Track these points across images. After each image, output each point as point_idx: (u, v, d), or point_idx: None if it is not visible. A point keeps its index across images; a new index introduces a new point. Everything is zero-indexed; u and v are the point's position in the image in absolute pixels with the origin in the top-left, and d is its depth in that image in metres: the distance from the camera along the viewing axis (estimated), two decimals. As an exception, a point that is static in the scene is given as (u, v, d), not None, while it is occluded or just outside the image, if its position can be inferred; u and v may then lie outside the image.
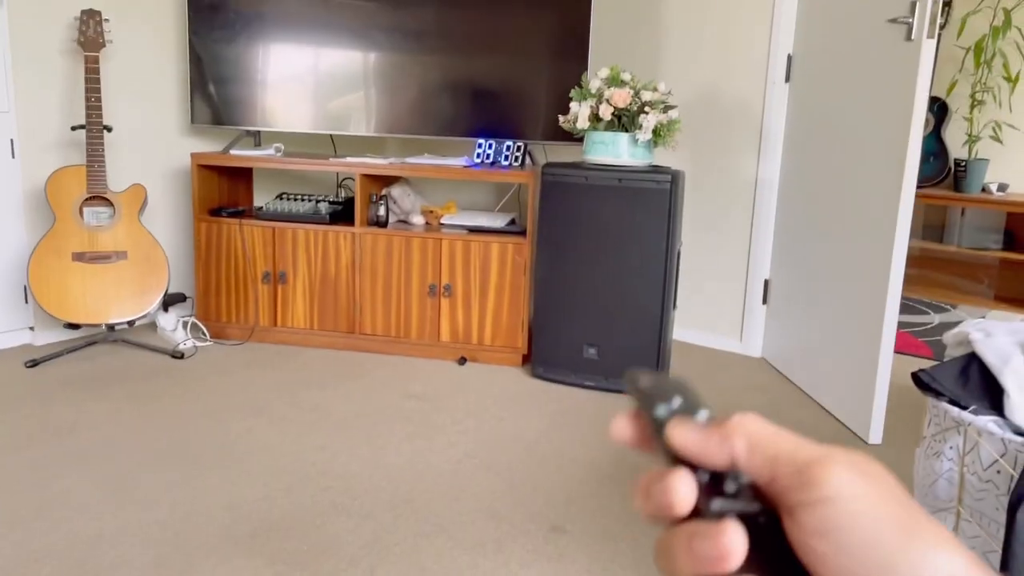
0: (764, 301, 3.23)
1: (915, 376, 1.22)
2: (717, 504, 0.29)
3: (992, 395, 1.15)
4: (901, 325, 3.53)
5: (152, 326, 3.29)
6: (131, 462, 2.15)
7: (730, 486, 0.30)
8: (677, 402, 0.33)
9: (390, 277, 3.06)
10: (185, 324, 3.16)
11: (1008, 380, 1.10)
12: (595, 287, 2.76)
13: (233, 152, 3.25)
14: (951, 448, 1.16)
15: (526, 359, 3.03)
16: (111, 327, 2.95)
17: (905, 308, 4.03)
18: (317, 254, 3.10)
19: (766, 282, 3.21)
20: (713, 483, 0.30)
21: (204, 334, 3.18)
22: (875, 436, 2.43)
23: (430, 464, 2.21)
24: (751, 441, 0.30)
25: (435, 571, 1.71)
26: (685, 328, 3.42)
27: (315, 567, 1.72)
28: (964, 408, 1.15)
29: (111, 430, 2.34)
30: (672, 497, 0.29)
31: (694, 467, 0.31)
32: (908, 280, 2.51)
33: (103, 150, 2.89)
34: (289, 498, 1.99)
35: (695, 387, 0.34)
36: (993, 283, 4.51)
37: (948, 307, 4.11)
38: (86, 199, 2.90)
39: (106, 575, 1.65)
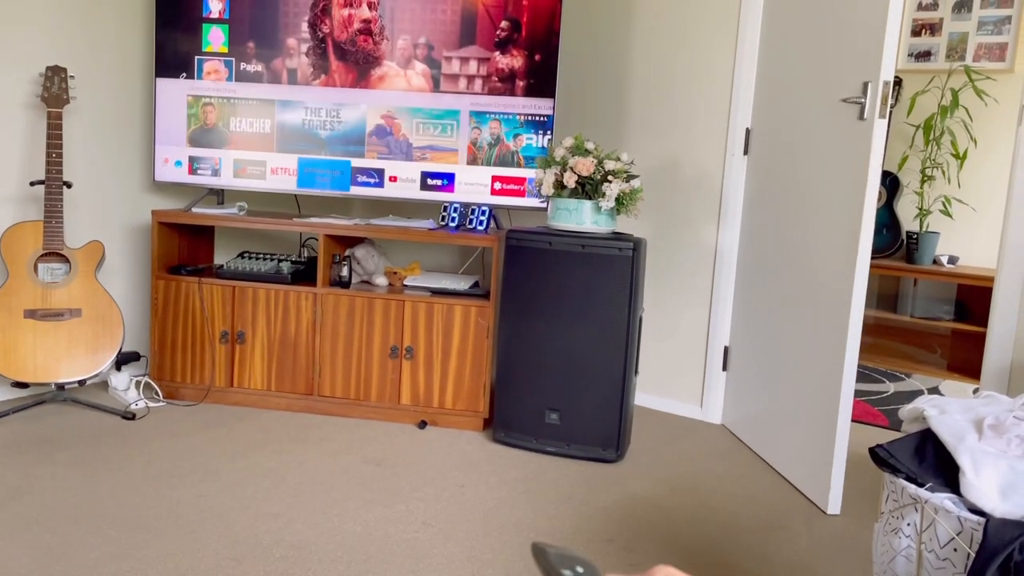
0: (724, 368, 3.25)
1: (872, 452, 1.23)
2: None
3: (948, 472, 1.16)
4: (858, 393, 3.58)
5: (104, 385, 3.20)
6: (73, 531, 2.07)
7: None
8: (580, 569, 0.36)
9: (351, 338, 3.03)
10: (138, 384, 3.09)
11: (963, 458, 1.11)
12: (558, 351, 2.76)
13: (195, 210, 3.23)
14: (909, 525, 1.17)
15: (487, 423, 3.01)
16: (60, 386, 2.87)
17: (861, 376, 4.09)
18: (277, 314, 3.07)
19: (726, 349, 3.24)
20: None
21: (157, 394, 3.10)
22: (833, 507, 2.43)
23: (388, 533, 2.16)
24: None
25: (389, 647, 1.66)
26: (647, 393, 3.43)
27: (264, 643, 1.65)
28: (921, 485, 1.16)
29: (54, 497, 2.26)
30: None
31: None
32: (864, 349, 2.55)
33: (62, 206, 2.85)
34: (239, 569, 1.92)
35: (594, 561, 0.37)
36: (945, 353, 4.61)
37: (903, 376, 4.18)
38: (41, 255, 2.85)
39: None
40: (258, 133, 3.24)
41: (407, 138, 3.18)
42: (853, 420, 2.46)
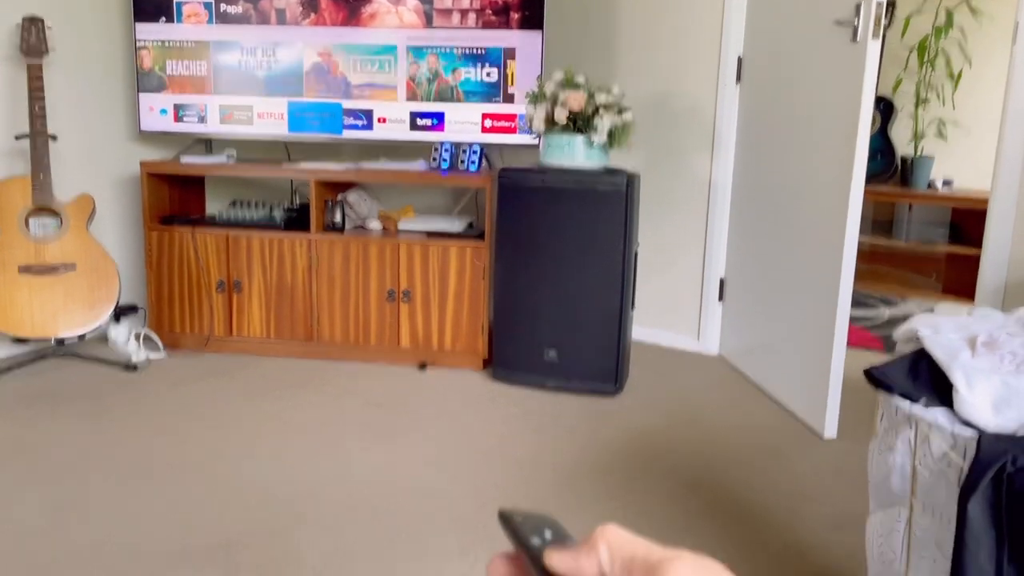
0: (720, 299, 3.27)
1: (867, 373, 1.24)
2: None
3: (941, 390, 1.17)
4: (853, 319, 3.60)
5: (103, 338, 3.21)
6: (83, 483, 2.10)
7: None
8: (548, 533, 0.37)
9: (348, 283, 3.04)
10: (137, 336, 3.10)
11: (956, 375, 1.13)
12: (554, 289, 2.77)
13: (184, 160, 3.19)
14: (903, 442, 1.19)
15: (487, 363, 3.03)
16: (60, 341, 2.88)
17: (856, 302, 4.11)
18: (272, 261, 3.06)
19: (722, 280, 3.25)
20: None
21: (157, 346, 3.12)
22: (830, 431, 2.47)
23: (392, 472, 2.19)
24: (611, 547, 0.34)
25: (399, 580, 1.70)
26: (643, 327, 3.45)
27: (277, 580, 1.69)
28: (915, 402, 1.17)
29: (62, 449, 2.29)
30: None
31: None
32: (859, 275, 2.56)
33: (49, 160, 2.82)
34: (248, 511, 1.96)
35: (561, 522, 0.39)
36: (940, 276, 4.63)
37: (897, 301, 4.20)
38: (31, 210, 2.83)
39: (60, 597, 1.61)
40: (242, 77, 3.18)
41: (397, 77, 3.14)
42: (849, 346, 2.48)
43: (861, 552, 1.33)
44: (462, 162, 3.09)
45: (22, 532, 1.84)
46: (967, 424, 1.11)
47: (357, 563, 1.76)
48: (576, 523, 1.95)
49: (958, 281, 4.41)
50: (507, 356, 2.87)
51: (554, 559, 0.35)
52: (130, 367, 2.90)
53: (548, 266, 2.76)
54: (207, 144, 3.39)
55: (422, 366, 3.04)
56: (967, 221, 4.44)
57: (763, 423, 2.60)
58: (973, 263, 4.25)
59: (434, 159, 3.12)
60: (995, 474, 1.04)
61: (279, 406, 2.64)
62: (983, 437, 1.07)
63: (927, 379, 1.20)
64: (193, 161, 3.16)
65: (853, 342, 3.37)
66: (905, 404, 1.18)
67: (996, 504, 1.05)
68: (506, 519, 0.38)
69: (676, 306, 3.39)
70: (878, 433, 1.25)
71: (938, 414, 1.14)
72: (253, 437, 2.39)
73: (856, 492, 2.09)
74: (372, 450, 2.33)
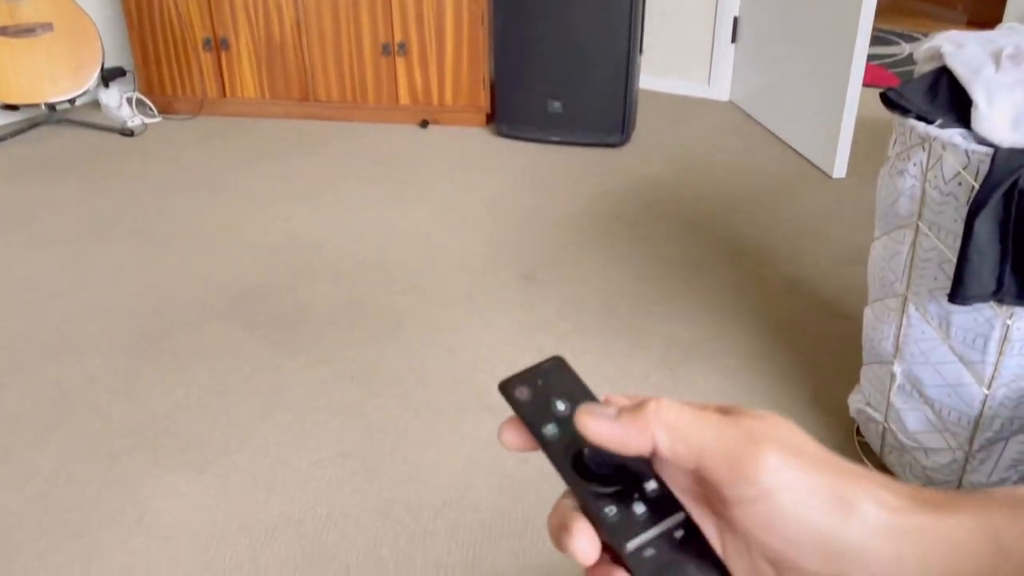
0: (733, 40, 3.10)
1: (883, 95, 1.18)
2: (632, 545, 0.29)
3: (960, 109, 1.12)
4: (871, 58, 3.44)
5: (95, 104, 3.12)
6: (95, 244, 2.13)
7: (639, 509, 0.30)
8: (562, 405, 0.32)
9: (339, 37, 2.88)
10: (130, 100, 3.01)
11: (977, 90, 1.07)
12: (557, 36, 2.62)
13: (150, -97, 2.92)
14: (915, 165, 1.16)
15: (490, 118, 2.95)
16: (52, 107, 2.80)
17: (876, 40, 3.91)
18: (258, 15, 2.89)
19: (735, 19, 3.07)
20: (623, 498, 0.30)
21: (151, 110, 3.04)
22: (839, 170, 2.44)
23: (399, 227, 2.21)
24: (672, 432, 0.29)
25: (412, 323, 1.76)
26: (651, 75, 3.31)
27: (295, 328, 1.76)
28: (931, 123, 1.12)
29: (67, 214, 2.29)
30: (578, 558, 0.30)
31: (598, 475, 0.30)
32: (879, 11, 2.38)
33: (2, -93, 2.58)
34: (260, 267, 2.00)
35: (574, 373, 0.32)
36: (966, 8, 4.37)
37: (920, 36, 3.99)
38: (-5, -34, 2.63)
39: (90, 346, 1.69)
40: None
41: None
42: (865, 84, 2.38)
43: (862, 285, 1.35)
44: None
45: (41, 293, 1.90)
46: (983, 143, 1.07)
47: (369, 311, 1.81)
48: (583, 267, 1.98)
49: (984, 12, 4.15)
50: (510, 110, 2.78)
51: (591, 428, 0.29)
52: (126, 132, 2.85)
53: (550, 10, 2.59)
54: None
55: (423, 124, 2.96)
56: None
57: (772, 166, 2.56)
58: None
59: None
60: (1007, 190, 1.02)
61: (280, 168, 2.61)
62: (998, 152, 1.03)
63: (946, 99, 1.14)
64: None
65: (869, 80, 3.24)
66: (920, 126, 1.13)
67: (1004, 220, 1.04)
68: (508, 394, 0.32)
69: (686, 50, 3.23)
70: (890, 157, 1.22)
71: (954, 134, 1.09)
72: (256, 198, 2.39)
73: (861, 228, 2.10)
74: (377, 207, 2.33)
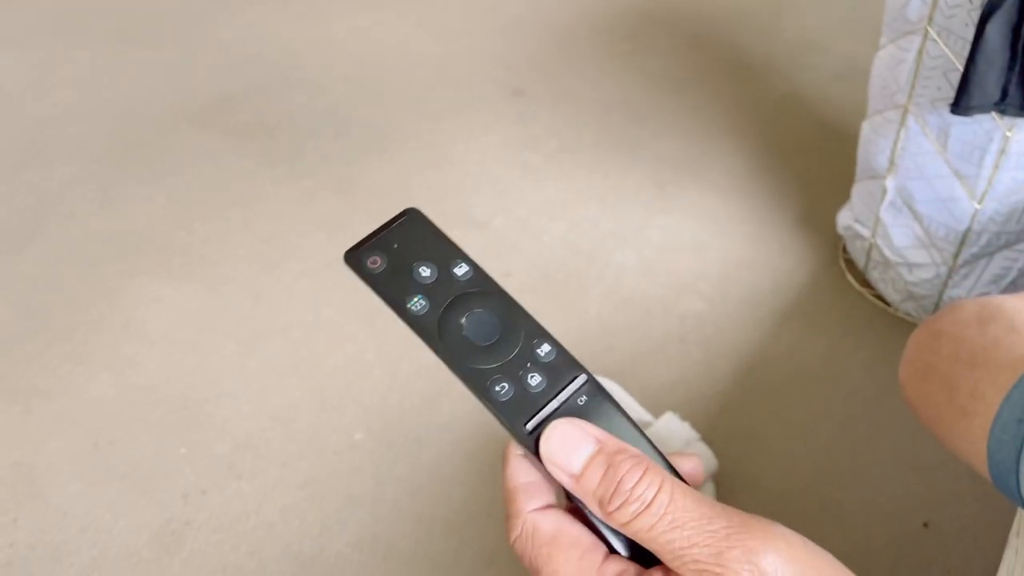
0: None
1: None
2: (531, 426, 0.26)
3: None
4: None
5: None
6: (63, 43, 2.02)
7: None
8: (426, 274, 0.28)
9: None
10: None
11: None
12: None
13: None
14: (930, -35, 1.08)
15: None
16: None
17: None
18: None
19: None
20: (514, 371, 0.27)
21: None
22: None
23: (380, 38, 2.10)
24: (670, 509, 0.27)
25: (396, 138, 1.71)
26: None
27: (272, 138, 1.71)
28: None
29: (34, 10, 2.16)
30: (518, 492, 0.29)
31: (482, 347, 0.27)
32: None
33: None
34: (236, 74, 1.91)
35: (433, 226, 0.26)
36: None
37: None
38: None
39: (61, 154, 1.64)
40: None
41: None
42: None
43: (861, 103, 1.30)
44: None
45: (8, 98, 1.82)
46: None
47: (351, 123, 1.75)
48: (574, 80, 1.90)
49: None
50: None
51: (558, 461, 0.25)
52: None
53: None
54: None
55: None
56: None
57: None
58: None
59: None
60: (1025, -9, 0.95)
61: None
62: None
63: None
64: None
65: None
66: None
67: (1018, 24, 0.98)
68: (358, 266, 0.26)
69: None
70: (904, -42, 1.13)
71: (976, -73, 1.01)
72: (228, 1, 2.25)
73: (866, 43, 2.00)
74: (359, 15, 2.20)
